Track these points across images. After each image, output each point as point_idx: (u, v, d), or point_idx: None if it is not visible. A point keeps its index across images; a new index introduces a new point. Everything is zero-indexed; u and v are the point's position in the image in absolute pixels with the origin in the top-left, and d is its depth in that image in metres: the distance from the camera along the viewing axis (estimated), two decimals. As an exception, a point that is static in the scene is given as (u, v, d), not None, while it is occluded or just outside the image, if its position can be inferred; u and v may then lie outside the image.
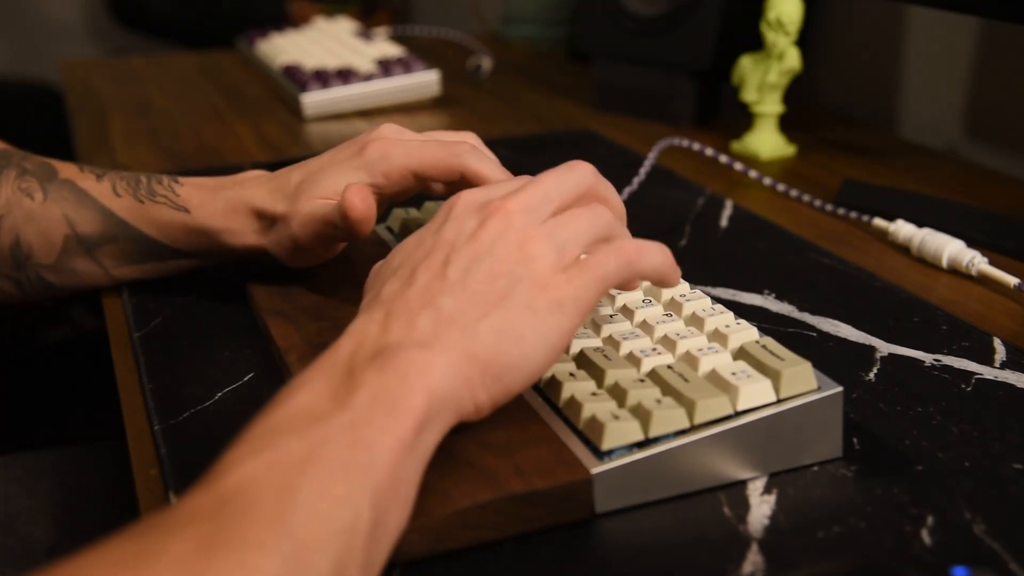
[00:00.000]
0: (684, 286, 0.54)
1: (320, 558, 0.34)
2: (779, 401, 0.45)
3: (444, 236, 0.45)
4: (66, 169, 0.64)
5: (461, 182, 0.56)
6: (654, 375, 0.47)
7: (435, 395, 0.40)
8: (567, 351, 0.50)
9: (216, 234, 0.60)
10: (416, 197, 0.73)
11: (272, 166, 0.65)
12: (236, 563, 0.32)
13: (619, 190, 0.79)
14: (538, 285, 0.43)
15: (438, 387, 0.40)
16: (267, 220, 0.60)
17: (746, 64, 0.92)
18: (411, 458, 0.39)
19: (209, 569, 0.32)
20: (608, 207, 0.49)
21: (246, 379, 0.55)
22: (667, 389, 0.45)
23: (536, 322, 0.43)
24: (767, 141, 0.94)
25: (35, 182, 0.62)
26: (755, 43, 0.92)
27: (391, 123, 0.60)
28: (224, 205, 0.60)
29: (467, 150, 0.55)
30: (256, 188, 0.60)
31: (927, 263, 0.70)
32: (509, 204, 0.45)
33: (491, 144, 0.61)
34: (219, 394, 0.54)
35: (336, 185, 0.57)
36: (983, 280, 0.67)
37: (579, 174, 0.48)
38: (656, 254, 0.46)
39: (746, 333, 0.49)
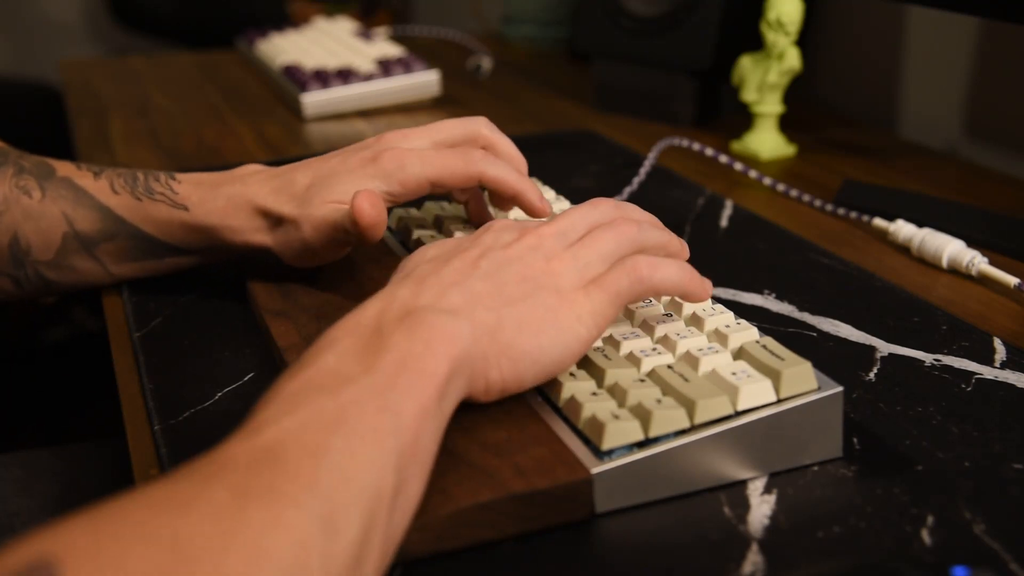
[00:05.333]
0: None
1: (350, 521, 0.34)
2: (779, 401, 0.45)
3: (481, 240, 0.49)
4: (63, 167, 0.64)
5: (479, 186, 0.60)
6: (654, 375, 0.47)
7: (456, 363, 0.42)
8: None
9: (215, 231, 0.60)
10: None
11: (273, 166, 0.65)
12: (271, 516, 0.33)
13: (619, 190, 0.79)
14: (560, 296, 0.46)
15: (460, 355, 0.42)
16: (272, 219, 0.60)
17: (746, 64, 0.92)
18: (431, 423, 0.40)
19: (244, 519, 0.32)
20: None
21: (246, 379, 0.55)
22: (667, 389, 0.45)
23: (556, 323, 0.45)
24: (767, 141, 0.94)
25: (33, 180, 0.62)
26: (755, 43, 0.92)
27: (395, 131, 0.61)
28: (224, 202, 0.60)
29: (482, 157, 0.59)
30: (258, 186, 0.60)
31: (927, 263, 0.70)
32: (542, 229, 0.49)
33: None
34: (219, 394, 0.54)
35: (349, 191, 0.58)
36: (983, 280, 0.67)
37: (603, 209, 0.51)
38: (671, 271, 0.48)
39: (746, 333, 0.49)
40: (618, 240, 0.49)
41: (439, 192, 0.60)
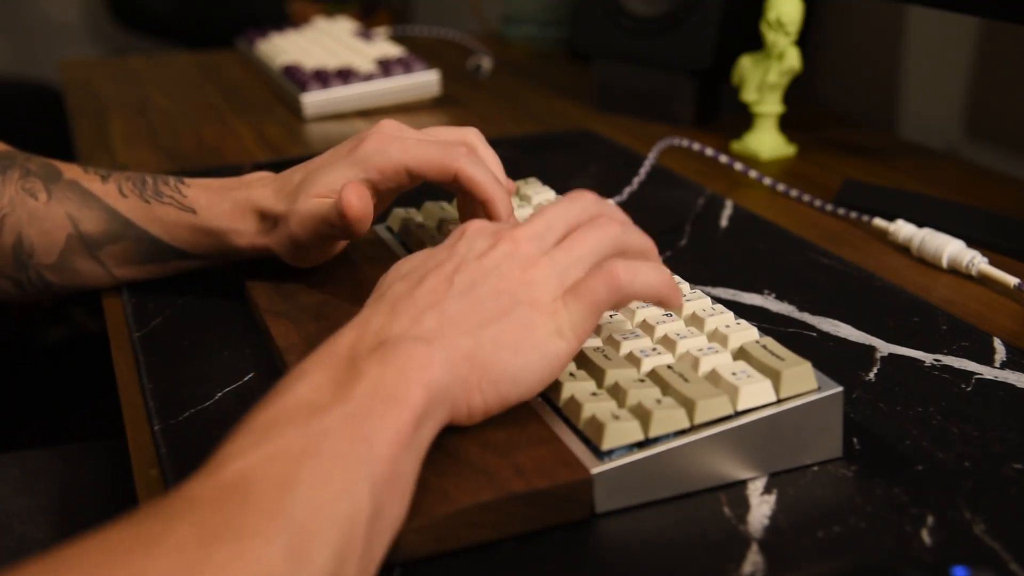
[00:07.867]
0: (684, 286, 0.54)
1: (320, 549, 0.34)
2: (779, 401, 0.45)
3: (455, 251, 0.47)
4: (70, 170, 0.64)
5: (455, 183, 0.56)
6: (654, 375, 0.47)
7: (433, 390, 0.41)
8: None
9: (222, 235, 0.61)
10: (416, 197, 0.73)
11: (273, 166, 0.65)
12: (236, 552, 0.32)
13: (619, 190, 0.79)
14: (538, 310, 0.45)
15: (436, 382, 0.41)
16: (270, 220, 0.60)
17: (746, 64, 0.92)
18: (409, 451, 0.39)
19: (209, 557, 0.32)
20: None
21: (246, 379, 0.55)
22: (667, 389, 0.45)
23: (535, 340, 0.44)
24: (767, 141, 0.94)
25: (39, 182, 0.62)
26: (755, 43, 0.92)
27: (392, 120, 0.60)
28: (231, 206, 0.60)
29: (463, 153, 0.56)
30: (261, 189, 0.60)
31: (927, 263, 0.70)
32: (516, 232, 0.47)
33: (491, 144, 0.61)
34: (219, 394, 0.54)
35: (332, 182, 0.57)
36: (983, 280, 0.67)
37: (582, 203, 0.49)
38: (650, 275, 0.46)
39: (746, 333, 0.49)
40: (599, 240, 0.47)
41: (417, 183, 0.58)
